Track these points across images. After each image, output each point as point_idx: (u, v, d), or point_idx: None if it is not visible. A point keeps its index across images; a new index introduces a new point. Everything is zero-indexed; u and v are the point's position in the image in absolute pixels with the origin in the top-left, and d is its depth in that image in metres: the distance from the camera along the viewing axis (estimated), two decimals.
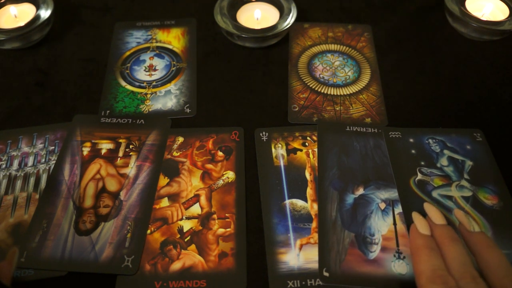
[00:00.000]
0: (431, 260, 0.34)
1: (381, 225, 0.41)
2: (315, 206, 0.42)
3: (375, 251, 0.39)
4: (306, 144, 0.47)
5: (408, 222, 0.41)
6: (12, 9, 0.57)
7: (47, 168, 0.45)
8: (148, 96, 0.52)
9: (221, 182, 0.45)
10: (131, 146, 0.47)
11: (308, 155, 0.46)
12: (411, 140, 0.47)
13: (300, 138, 0.48)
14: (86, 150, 0.47)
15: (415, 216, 0.39)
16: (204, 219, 0.42)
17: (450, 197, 0.43)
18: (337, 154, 0.46)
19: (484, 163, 0.45)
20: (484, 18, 0.57)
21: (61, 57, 0.57)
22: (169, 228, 0.41)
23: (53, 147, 0.47)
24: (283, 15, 0.56)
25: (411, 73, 0.55)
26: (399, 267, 0.38)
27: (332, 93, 0.52)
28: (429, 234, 0.37)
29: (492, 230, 0.40)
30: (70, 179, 0.44)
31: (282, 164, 0.46)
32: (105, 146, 0.47)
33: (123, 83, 0.54)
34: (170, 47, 0.58)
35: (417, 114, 0.51)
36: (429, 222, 0.38)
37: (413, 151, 0.46)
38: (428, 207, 0.39)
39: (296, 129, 0.48)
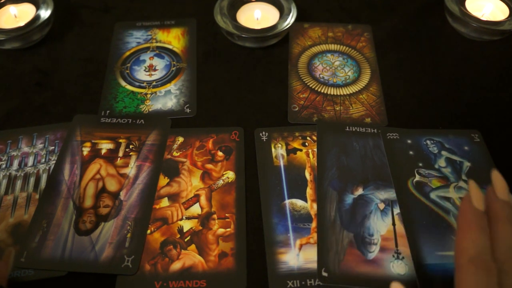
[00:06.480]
0: (479, 241, 0.31)
1: (380, 226, 0.41)
2: (315, 206, 0.43)
3: (374, 251, 0.40)
4: (306, 144, 0.47)
5: (407, 223, 0.41)
6: (12, 9, 0.57)
7: (47, 168, 0.46)
8: (148, 96, 0.52)
9: (221, 182, 0.45)
10: (131, 146, 0.47)
11: (308, 155, 0.46)
12: (409, 141, 0.47)
13: (300, 138, 0.48)
14: (86, 150, 0.47)
15: (472, 185, 0.34)
16: (204, 219, 0.42)
17: (448, 199, 0.43)
18: (336, 154, 0.46)
19: (482, 164, 0.45)
20: (484, 18, 0.57)
21: (61, 57, 0.57)
22: (169, 228, 0.42)
23: (53, 147, 0.47)
24: (283, 15, 0.56)
25: (411, 73, 0.55)
26: (398, 268, 0.39)
27: (332, 93, 0.52)
28: (482, 209, 0.33)
29: None
30: (70, 179, 0.44)
31: (282, 164, 0.46)
32: (105, 146, 0.47)
33: (123, 83, 0.54)
34: (170, 47, 0.58)
35: (417, 114, 0.51)
36: (490, 193, 0.34)
37: (411, 153, 0.46)
38: (497, 177, 0.34)
39: (296, 129, 0.49)
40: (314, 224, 0.41)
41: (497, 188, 0.34)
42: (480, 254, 0.30)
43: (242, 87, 0.53)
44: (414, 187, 0.44)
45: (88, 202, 0.43)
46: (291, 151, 0.47)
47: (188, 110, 0.51)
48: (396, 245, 0.40)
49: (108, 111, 0.51)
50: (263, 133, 0.48)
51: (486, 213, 0.33)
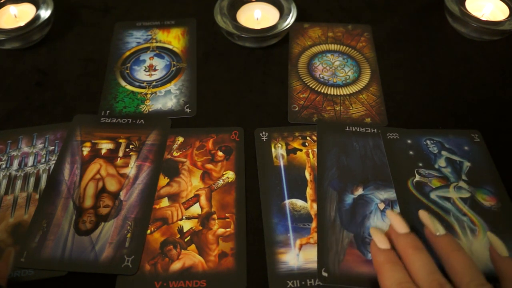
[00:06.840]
0: (395, 274, 0.33)
1: (380, 226, 0.41)
2: (315, 206, 0.43)
3: None
4: (306, 144, 0.47)
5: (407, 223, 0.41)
6: (12, 9, 0.57)
7: (47, 168, 0.46)
8: (148, 96, 0.52)
9: (221, 182, 0.45)
10: (131, 146, 0.47)
11: (308, 155, 0.46)
12: (409, 141, 0.47)
13: (300, 138, 0.48)
14: (86, 150, 0.47)
15: (373, 231, 0.37)
16: (204, 219, 0.42)
17: (448, 199, 0.43)
18: (336, 154, 0.46)
19: (482, 164, 0.45)
20: (484, 18, 0.57)
21: (61, 57, 0.57)
22: (169, 228, 0.42)
23: (53, 147, 0.47)
24: (283, 15, 0.56)
25: (411, 73, 0.55)
26: None
27: (332, 93, 0.52)
28: (389, 247, 0.36)
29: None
30: (70, 179, 0.44)
31: (282, 164, 0.46)
32: (105, 146, 0.47)
33: (123, 83, 0.54)
34: (170, 47, 0.58)
35: (417, 114, 0.51)
36: (392, 231, 0.37)
37: (411, 153, 0.46)
38: (391, 215, 0.38)
39: (296, 129, 0.49)
40: (314, 224, 0.41)
41: (396, 225, 0.37)
42: (400, 285, 0.32)
43: (242, 87, 0.53)
44: (414, 187, 0.44)
45: (88, 202, 0.43)
46: (291, 151, 0.47)
47: (188, 110, 0.51)
48: None
49: (108, 111, 0.51)
50: (263, 133, 0.48)
51: (393, 248, 0.36)
